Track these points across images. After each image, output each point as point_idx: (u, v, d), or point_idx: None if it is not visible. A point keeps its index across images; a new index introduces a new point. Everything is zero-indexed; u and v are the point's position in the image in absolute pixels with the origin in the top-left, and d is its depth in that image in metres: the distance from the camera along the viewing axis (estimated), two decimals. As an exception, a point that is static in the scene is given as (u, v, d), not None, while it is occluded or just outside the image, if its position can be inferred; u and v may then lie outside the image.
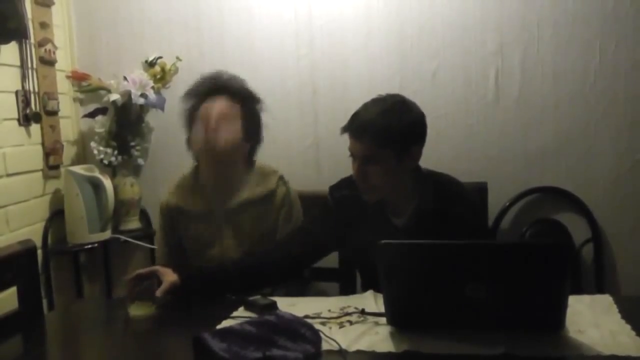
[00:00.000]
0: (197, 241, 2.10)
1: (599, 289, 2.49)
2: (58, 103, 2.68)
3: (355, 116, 1.83)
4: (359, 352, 1.37)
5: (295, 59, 2.71)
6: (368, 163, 1.79)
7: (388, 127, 1.76)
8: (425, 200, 1.85)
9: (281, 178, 2.12)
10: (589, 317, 1.50)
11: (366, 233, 1.87)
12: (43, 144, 2.60)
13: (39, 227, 2.58)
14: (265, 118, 2.15)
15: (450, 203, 1.84)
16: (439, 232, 1.74)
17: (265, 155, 2.15)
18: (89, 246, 2.63)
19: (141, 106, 2.71)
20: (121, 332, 1.77)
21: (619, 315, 1.50)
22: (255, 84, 2.28)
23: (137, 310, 1.69)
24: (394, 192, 1.87)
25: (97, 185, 2.60)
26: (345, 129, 1.83)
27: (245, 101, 2.09)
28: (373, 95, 2.60)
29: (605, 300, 1.62)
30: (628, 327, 1.42)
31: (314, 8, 2.67)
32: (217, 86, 2.08)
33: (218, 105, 2.03)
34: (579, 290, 2.34)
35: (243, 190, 2.07)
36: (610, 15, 2.47)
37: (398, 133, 1.77)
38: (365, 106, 1.85)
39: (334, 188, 2.00)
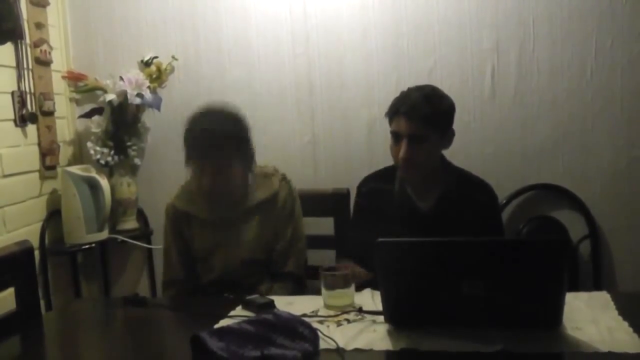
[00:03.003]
0: (201, 248, 2.07)
1: (596, 286, 2.50)
2: (54, 103, 2.67)
3: (401, 100, 1.95)
4: (356, 350, 1.38)
5: (292, 57, 2.71)
6: (415, 142, 1.90)
7: (435, 109, 1.91)
8: (450, 186, 1.98)
9: (283, 178, 2.10)
10: (587, 314, 1.51)
11: (393, 218, 1.96)
12: (39, 144, 2.59)
13: (36, 227, 2.57)
14: (263, 116, 2.13)
15: (473, 189, 2.00)
16: (460, 217, 1.91)
17: (262, 154, 2.14)
18: (87, 246, 2.62)
19: (137, 106, 2.70)
20: (119, 332, 1.78)
21: (616, 312, 1.51)
22: (251, 83, 2.28)
23: (335, 300, 1.63)
24: (425, 175, 1.97)
25: (94, 186, 2.59)
26: (392, 111, 1.95)
27: (239, 142, 1.98)
28: (370, 92, 2.65)
29: (602, 297, 1.62)
30: (625, 323, 1.43)
31: (309, 6, 2.67)
32: (210, 142, 1.92)
33: (214, 166, 1.93)
34: (576, 287, 2.34)
35: (246, 198, 2.04)
36: (606, 11, 2.47)
37: (441, 115, 1.94)
38: (406, 93, 1.97)
39: (361, 184, 2.12)
